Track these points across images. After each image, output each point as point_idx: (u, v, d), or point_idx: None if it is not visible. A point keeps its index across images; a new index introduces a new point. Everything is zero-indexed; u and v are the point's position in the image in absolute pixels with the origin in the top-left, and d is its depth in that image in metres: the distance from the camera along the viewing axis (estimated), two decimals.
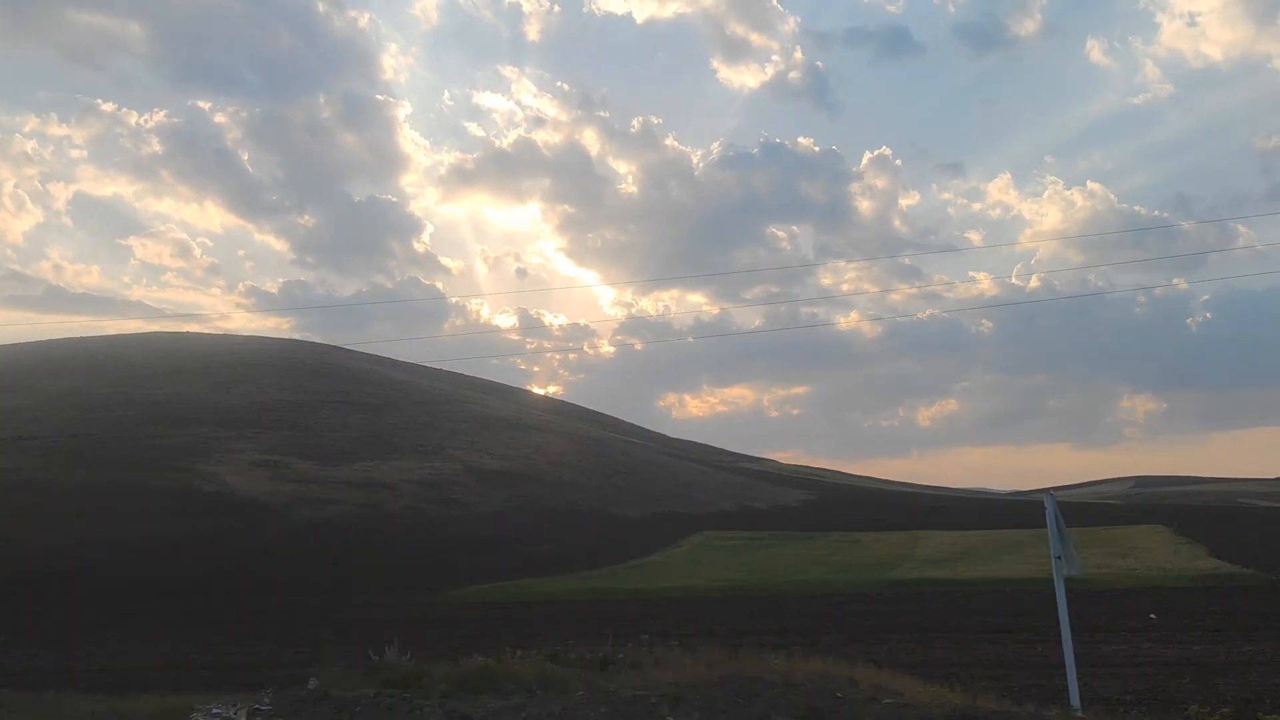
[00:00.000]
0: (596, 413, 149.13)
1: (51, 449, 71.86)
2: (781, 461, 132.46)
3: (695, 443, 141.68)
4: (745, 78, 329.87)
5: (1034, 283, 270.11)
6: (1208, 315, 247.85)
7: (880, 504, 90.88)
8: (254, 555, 47.54)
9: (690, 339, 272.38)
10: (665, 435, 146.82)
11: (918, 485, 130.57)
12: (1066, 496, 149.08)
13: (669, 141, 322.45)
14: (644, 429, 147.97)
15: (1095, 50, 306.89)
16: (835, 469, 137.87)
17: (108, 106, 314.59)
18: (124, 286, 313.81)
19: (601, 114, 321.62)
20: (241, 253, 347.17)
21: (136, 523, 54.18)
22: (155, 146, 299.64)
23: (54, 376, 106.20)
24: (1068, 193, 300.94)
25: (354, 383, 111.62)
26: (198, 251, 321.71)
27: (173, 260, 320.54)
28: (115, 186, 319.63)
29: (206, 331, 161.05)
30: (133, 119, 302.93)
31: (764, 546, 53.94)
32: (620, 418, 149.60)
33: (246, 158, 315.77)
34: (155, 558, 46.06)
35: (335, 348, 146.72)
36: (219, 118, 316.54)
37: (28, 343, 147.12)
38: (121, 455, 71.06)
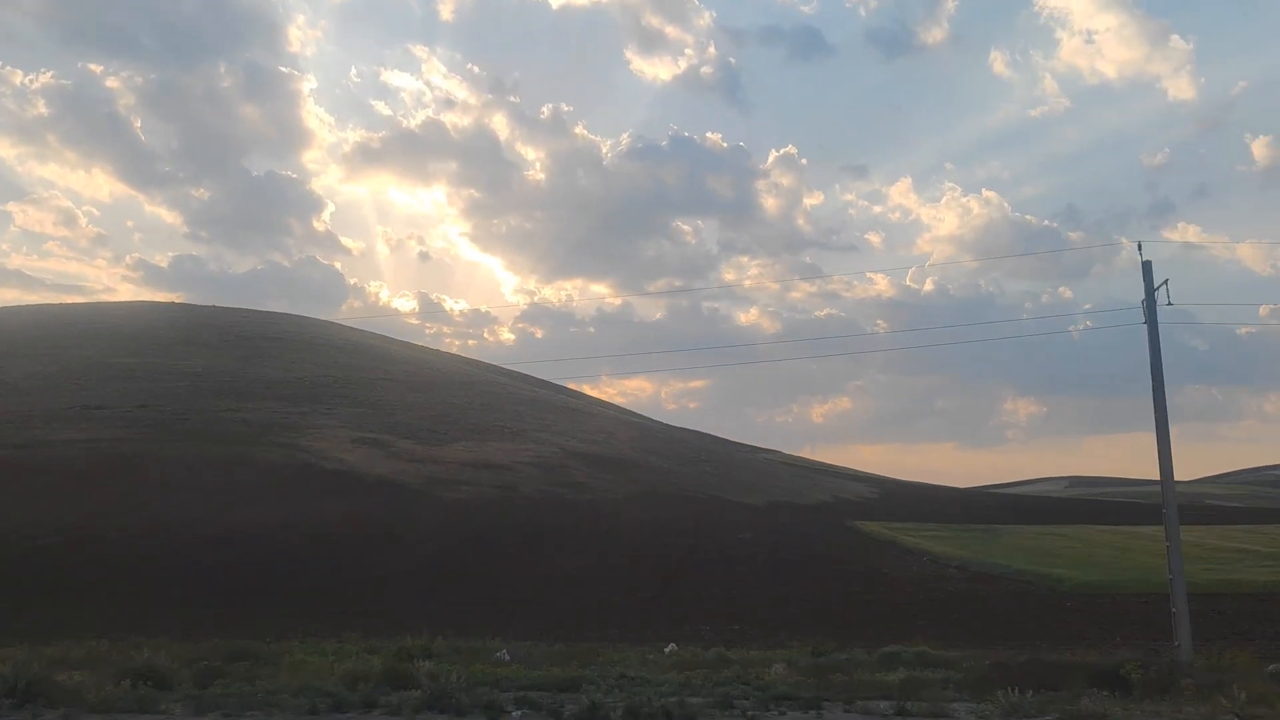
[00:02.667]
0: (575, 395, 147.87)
1: (136, 419, 67.06)
2: (785, 452, 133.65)
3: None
4: (658, 70, 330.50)
5: (928, 286, 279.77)
6: (1088, 324, 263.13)
7: (943, 499, 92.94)
8: (469, 540, 45.39)
9: (591, 329, 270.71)
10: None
11: (933, 482, 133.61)
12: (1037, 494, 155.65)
13: (579, 130, 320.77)
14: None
15: (998, 62, 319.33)
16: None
17: None
18: (1, 255, 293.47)
19: (512, 99, 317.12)
20: (130, 224, 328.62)
21: (296, 503, 51.11)
22: (41, 108, 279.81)
23: (60, 345, 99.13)
24: (965, 199, 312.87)
25: (382, 360, 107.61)
26: (83, 220, 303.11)
27: (56, 229, 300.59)
28: None
29: (182, 301, 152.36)
30: (17, 79, 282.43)
31: (998, 538, 54.96)
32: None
33: (139, 125, 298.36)
34: (379, 542, 43.53)
35: (307, 318, 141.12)
36: (111, 82, 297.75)
37: None
38: (210, 429, 66.87)
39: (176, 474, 54.81)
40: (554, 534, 48.58)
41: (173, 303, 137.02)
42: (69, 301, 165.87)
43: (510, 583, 35.53)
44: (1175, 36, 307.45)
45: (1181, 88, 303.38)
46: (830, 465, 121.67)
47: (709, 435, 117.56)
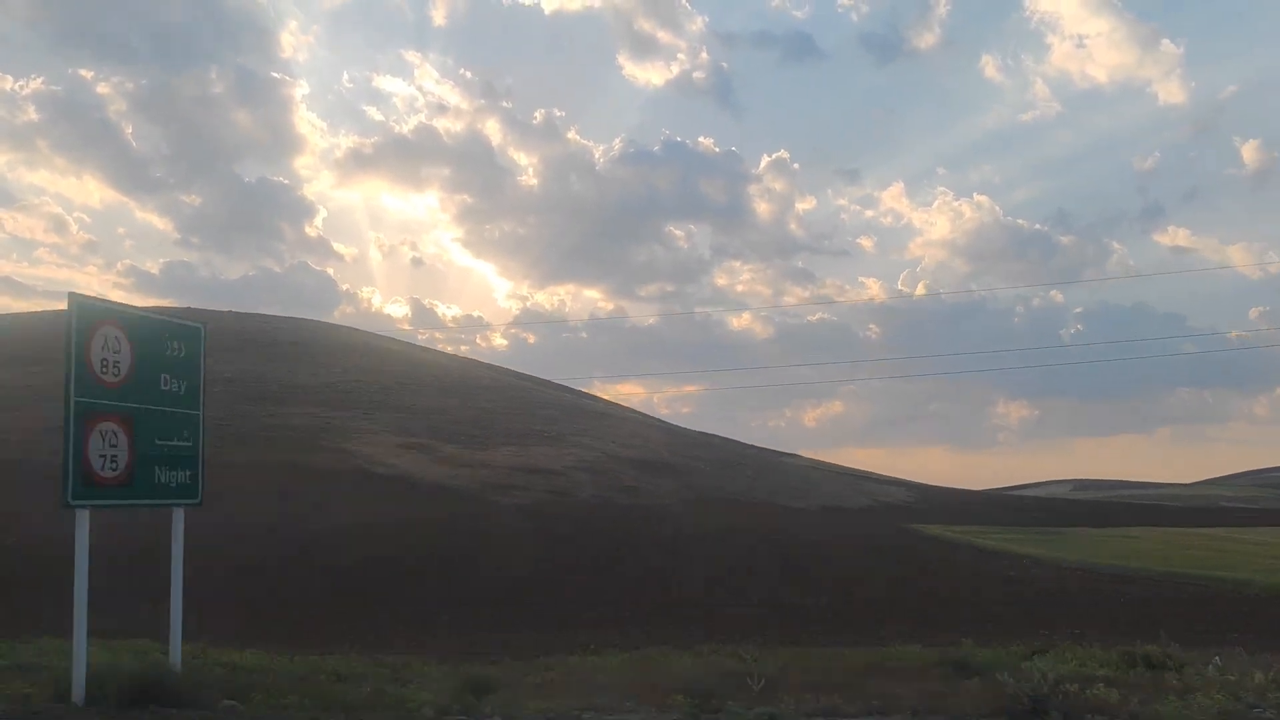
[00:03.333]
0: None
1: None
2: (804, 455, 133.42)
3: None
4: (650, 75, 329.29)
5: (920, 290, 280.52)
6: (1079, 327, 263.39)
7: (976, 501, 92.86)
8: (555, 546, 44.72)
9: (583, 334, 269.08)
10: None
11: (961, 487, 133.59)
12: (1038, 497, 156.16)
13: (571, 135, 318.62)
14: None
15: (989, 66, 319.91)
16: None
17: None
18: None
19: (505, 104, 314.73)
20: (121, 230, 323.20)
21: (364, 507, 50.29)
22: (31, 114, 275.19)
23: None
24: (956, 203, 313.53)
25: (408, 364, 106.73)
26: (74, 227, 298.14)
27: (46, 235, 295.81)
28: None
29: (196, 307, 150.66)
30: (7, 84, 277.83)
31: (1071, 539, 54.95)
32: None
33: (130, 130, 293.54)
34: (451, 554, 42.83)
35: (327, 324, 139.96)
36: (102, 87, 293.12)
37: None
38: (258, 435, 65.94)
39: (237, 481, 53.59)
40: (630, 539, 47.97)
41: (189, 307, 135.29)
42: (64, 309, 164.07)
43: (622, 590, 34.87)
44: (1166, 40, 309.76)
45: (1172, 91, 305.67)
46: (854, 469, 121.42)
47: (734, 440, 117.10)
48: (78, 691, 9.65)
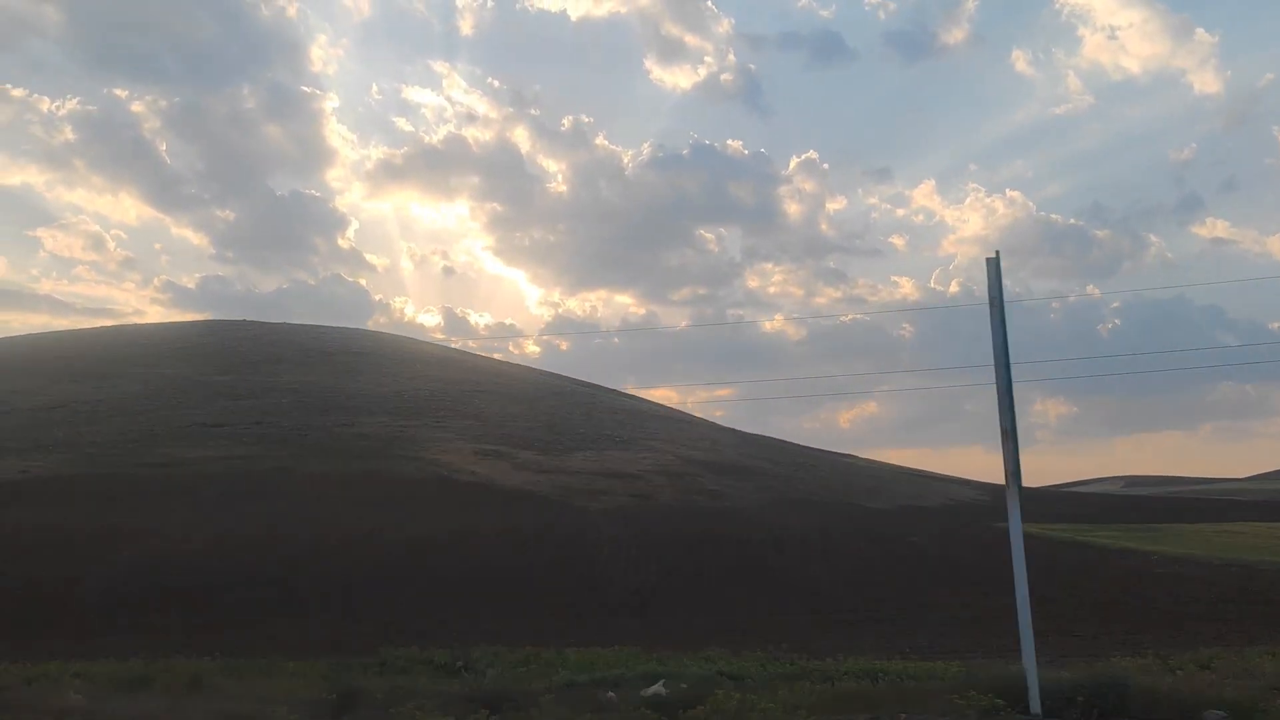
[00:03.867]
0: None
1: (260, 436, 66.56)
2: (860, 456, 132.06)
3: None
4: (678, 78, 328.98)
5: (954, 288, 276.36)
6: (1117, 322, 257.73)
7: (1049, 498, 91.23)
8: (652, 549, 44.27)
9: (615, 339, 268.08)
10: None
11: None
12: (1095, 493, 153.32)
13: (600, 141, 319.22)
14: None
15: (1020, 60, 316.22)
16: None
17: (18, 92, 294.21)
18: (32, 280, 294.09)
19: (533, 112, 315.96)
20: (158, 246, 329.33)
21: (456, 515, 50.23)
22: (68, 135, 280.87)
23: (146, 363, 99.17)
24: (989, 200, 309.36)
25: (468, 372, 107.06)
26: (111, 244, 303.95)
27: (85, 253, 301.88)
28: (24, 176, 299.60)
29: (243, 319, 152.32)
30: (45, 105, 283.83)
31: (1177, 536, 53.85)
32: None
33: (165, 148, 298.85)
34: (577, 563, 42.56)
35: (383, 333, 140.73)
36: (136, 106, 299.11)
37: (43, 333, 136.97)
38: (335, 444, 66.28)
39: (325, 489, 54.09)
40: (745, 543, 47.42)
41: (244, 320, 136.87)
42: (103, 324, 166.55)
43: (782, 597, 34.27)
44: (1200, 30, 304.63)
45: (1207, 81, 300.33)
46: (913, 468, 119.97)
47: (794, 443, 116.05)
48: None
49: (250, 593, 33.85)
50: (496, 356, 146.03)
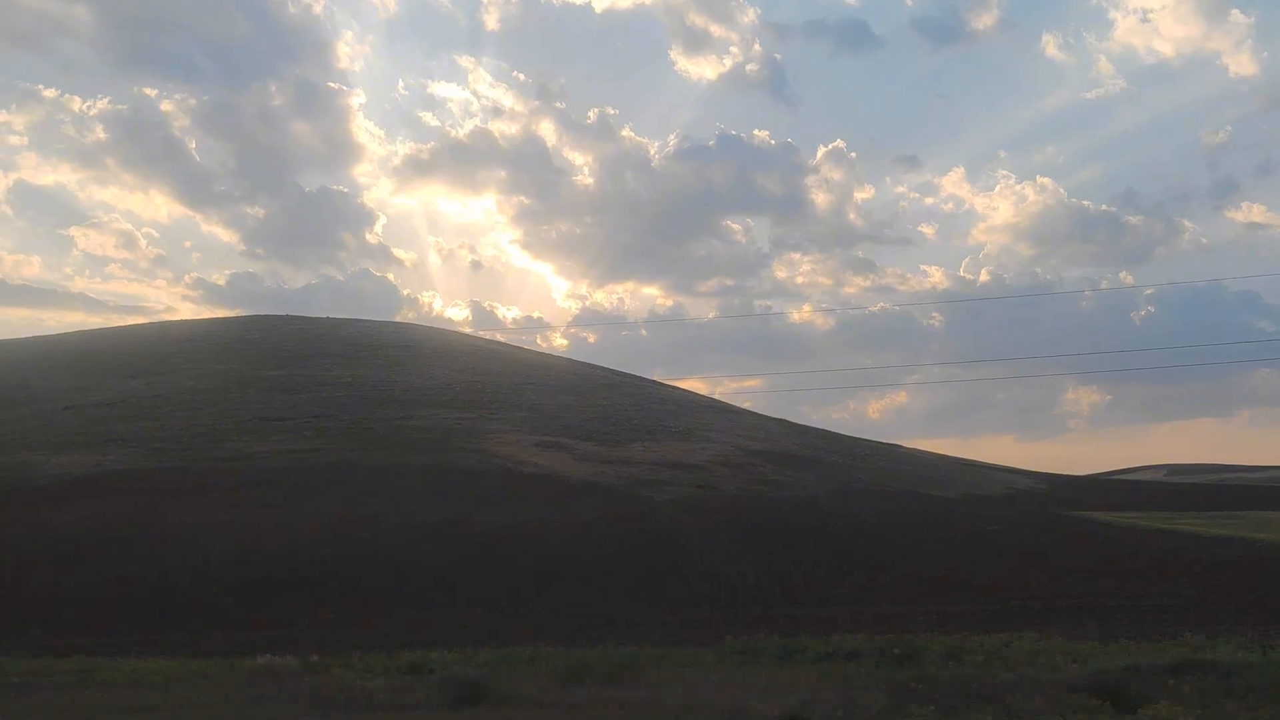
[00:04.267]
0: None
1: (321, 429, 66.77)
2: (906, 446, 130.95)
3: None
4: (703, 69, 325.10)
5: (984, 276, 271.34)
6: (1151, 309, 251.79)
7: (1106, 487, 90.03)
8: (742, 539, 43.88)
9: (643, 332, 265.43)
10: None
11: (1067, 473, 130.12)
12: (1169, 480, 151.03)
13: (626, 133, 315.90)
14: None
15: (1051, 45, 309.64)
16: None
17: (50, 93, 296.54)
18: (65, 278, 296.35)
19: (558, 105, 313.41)
20: (188, 243, 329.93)
21: (525, 505, 50.06)
22: (99, 134, 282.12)
23: (196, 360, 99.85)
24: (1019, 187, 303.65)
25: (513, 364, 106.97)
26: (143, 242, 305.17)
27: (117, 251, 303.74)
28: (57, 175, 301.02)
29: (286, 314, 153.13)
30: (76, 105, 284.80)
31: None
32: None
33: (194, 146, 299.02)
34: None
35: (427, 327, 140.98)
36: (166, 105, 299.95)
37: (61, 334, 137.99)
38: (396, 436, 66.34)
39: (393, 481, 54.11)
40: (811, 530, 46.97)
41: (286, 315, 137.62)
42: (140, 321, 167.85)
43: (868, 581, 33.79)
44: (1235, 11, 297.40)
45: (1242, 63, 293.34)
46: (964, 458, 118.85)
47: (840, 433, 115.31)
48: None
49: (352, 584, 33.77)
50: (541, 347, 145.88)
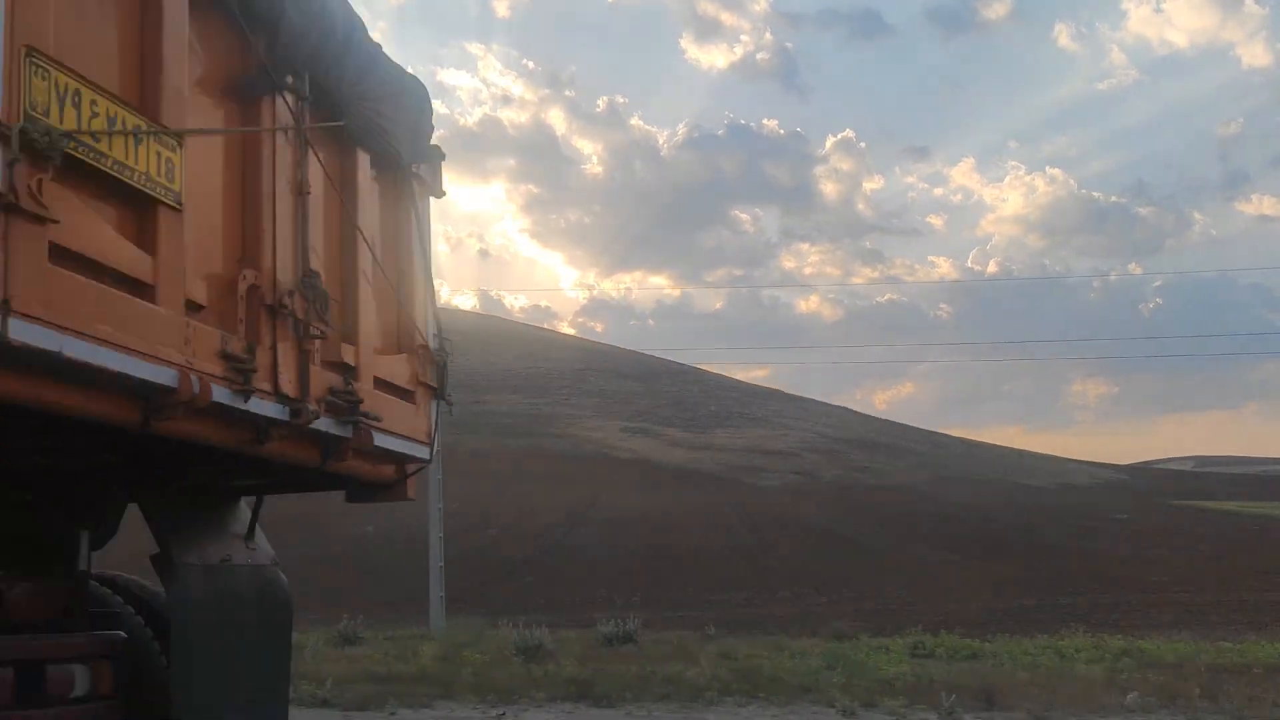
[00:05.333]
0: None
1: None
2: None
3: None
4: (714, 58, 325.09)
5: (992, 267, 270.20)
6: (1159, 300, 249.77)
7: (1181, 477, 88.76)
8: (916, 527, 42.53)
9: (651, 321, 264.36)
10: None
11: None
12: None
13: (635, 122, 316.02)
14: None
15: (1063, 35, 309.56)
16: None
17: None
18: None
19: (568, 93, 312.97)
20: None
21: (651, 493, 48.65)
22: None
23: None
24: (1029, 178, 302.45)
25: (561, 349, 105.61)
26: None
27: None
28: None
29: None
30: None
31: None
32: None
33: None
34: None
35: (464, 310, 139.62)
36: None
37: None
38: (477, 420, 64.66)
39: (498, 466, 52.55)
40: (934, 518, 45.57)
41: None
42: None
43: (1022, 573, 32.27)
44: (1249, 1, 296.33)
45: (1256, 54, 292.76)
46: (1016, 449, 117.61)
47: (899, 423, 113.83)
48: None
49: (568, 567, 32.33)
50: (598, 333, 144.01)
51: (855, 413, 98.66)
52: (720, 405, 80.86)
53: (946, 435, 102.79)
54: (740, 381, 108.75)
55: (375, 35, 4.03)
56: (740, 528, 39.13)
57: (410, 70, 4.42)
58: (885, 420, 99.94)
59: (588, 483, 49.29)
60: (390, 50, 4.16)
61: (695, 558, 31.82)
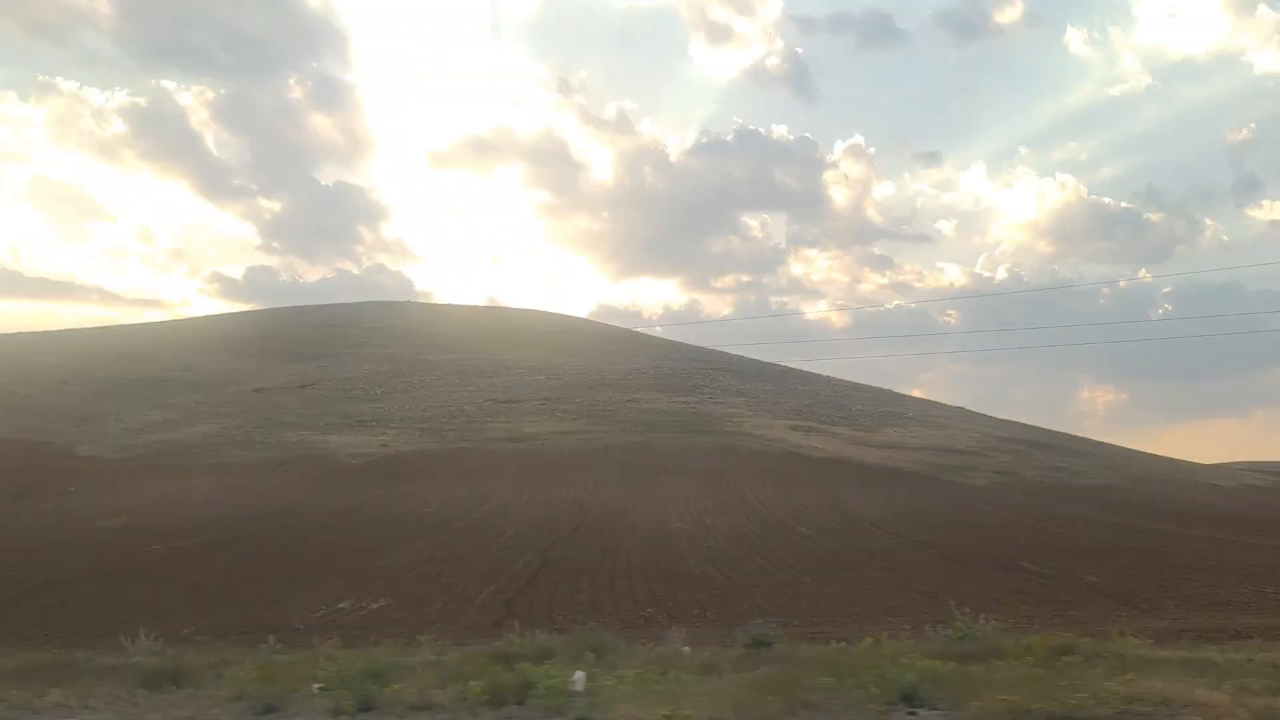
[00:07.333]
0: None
1: (569, 411, 63.86)
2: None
3: None
4: (724, 63, 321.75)
5: (1002, 274, 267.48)
6: (1168, 307, 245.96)
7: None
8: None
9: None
10: None
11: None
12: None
13: (644, 127, 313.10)
14: None
15: (1075, 40, 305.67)
16: None
17: (69, 85, 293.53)
18: (82, 271, 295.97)
19: (578, 98, 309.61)
20: (205, 237, 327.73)
21: (862, 491, 46.98)
22: (118, 127, 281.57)
23: (370, 344, 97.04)
24: (1039, 183, 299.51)
25: (663, 346, 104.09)
26: (159, 236, 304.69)
27: (133, 244, 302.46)
28: (76, 168, 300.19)
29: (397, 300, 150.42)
30: (95, 98, 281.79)
31: None
32: None
33: (212, 140, 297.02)
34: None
35: (547, 313, 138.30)
36: (184, 97, 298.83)
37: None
38: (647, 419, 63.41)
39: (710, 464, 51.07)
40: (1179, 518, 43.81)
41: (409, 301, 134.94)
42: (150, 316, 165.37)
43: None
44: (1263, 6, 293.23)
45: (1269, 60, 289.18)
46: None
47: (1018, 422, 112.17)
48: None
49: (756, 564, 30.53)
50: (658, 332, 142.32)
51: (970, 410, 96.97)
52: (865, 405, 79.27)
53: (1069, 434, 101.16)
54: (852, 382, 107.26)
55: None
56: (1052, 526, 37.23)
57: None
58: (1006, 420, 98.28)
59: (815, 483, 47.63)
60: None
61: (1076, 556, 29.90)
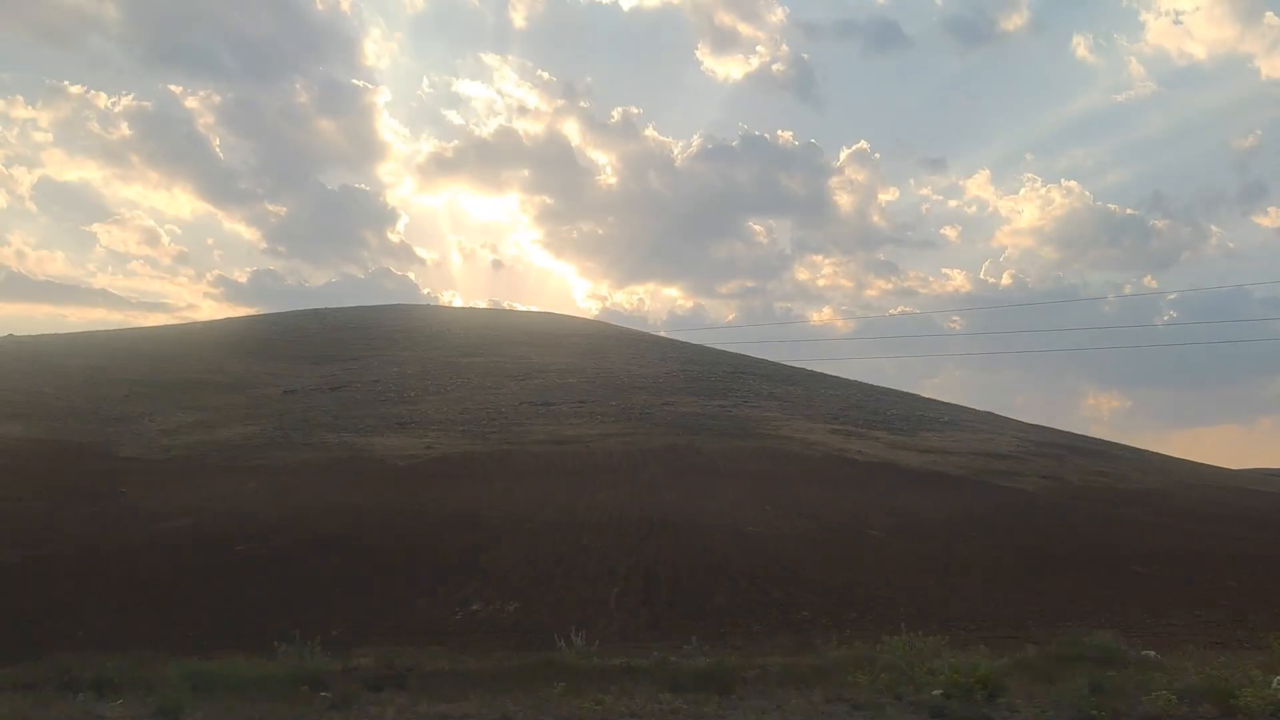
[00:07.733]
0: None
1: (603, 414, 63.36)
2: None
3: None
4: (729, 69, 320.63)
5: (1006, 280, 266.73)
6: (1173, 314, 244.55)
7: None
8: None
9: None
10: None
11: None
12: None
13: (649, 133, 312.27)
14: None
15: (1081, 47, 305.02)
16: None
17: (76, 89, 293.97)
18: (88, 274, 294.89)
19: (583, 104, 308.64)
20: (210, 241, 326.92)
21: (915, 496, 46.47)
22: (124, 130, 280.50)
23: (398, 346, 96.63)
24: (1045, 190, 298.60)
25: (690, 349, 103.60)
26: (165, 239, 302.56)
27: (139, 248, 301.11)
28: (82, 171, 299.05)
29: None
30: (101, 102, 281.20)
31: None
32: None
33: (218, 143, 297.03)
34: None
35: (569, 316, 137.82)
36: (190, 101, 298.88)
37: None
38: (680, 421, 62.92)
39: (758, 468, 50.59)
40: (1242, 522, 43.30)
41: (452, 306, 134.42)
42: (157, 319, 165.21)
43: None
44: (1269, 13, 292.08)
45: (1276, 66, 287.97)
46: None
47: (1046, 426, 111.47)
48: None
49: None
50: (679, 337, 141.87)
51: (999, 416, 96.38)
52: (897, 409, 78.76)
53: (1103, 439, 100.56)
54: (881, 386, 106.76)
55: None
56: (1128, 530, 36.74)
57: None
58: (1040, 425, 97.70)
59: (868, 487, 47.13)
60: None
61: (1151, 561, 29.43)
